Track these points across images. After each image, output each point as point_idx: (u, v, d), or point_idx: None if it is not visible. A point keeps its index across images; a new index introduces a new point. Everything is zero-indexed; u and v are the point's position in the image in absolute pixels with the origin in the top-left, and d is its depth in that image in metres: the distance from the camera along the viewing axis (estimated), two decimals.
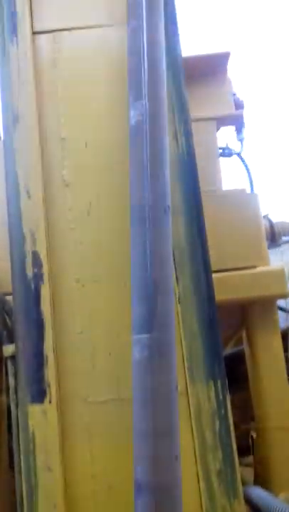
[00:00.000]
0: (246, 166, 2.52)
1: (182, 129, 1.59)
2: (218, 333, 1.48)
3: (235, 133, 2.49)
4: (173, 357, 1.13)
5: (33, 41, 1.67)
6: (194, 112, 2.09)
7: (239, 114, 2.18)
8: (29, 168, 1.55)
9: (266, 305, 1.94)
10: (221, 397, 1.44)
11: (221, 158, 2.28)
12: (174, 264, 1.50)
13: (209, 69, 2.16)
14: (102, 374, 1.46)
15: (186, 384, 1.42)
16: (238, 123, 2.34)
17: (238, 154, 2.50)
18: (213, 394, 1.43)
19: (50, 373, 1.43)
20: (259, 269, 1.88)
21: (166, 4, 1.64)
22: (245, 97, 2.30)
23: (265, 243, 1.98)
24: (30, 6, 1.70)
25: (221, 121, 2.21)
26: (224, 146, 2.43)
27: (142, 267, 1.17)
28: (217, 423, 1.41)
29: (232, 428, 1.42)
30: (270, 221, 2.19)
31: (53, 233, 1.55)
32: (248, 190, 2.24)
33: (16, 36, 1.65)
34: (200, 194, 1.55)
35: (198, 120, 1.98)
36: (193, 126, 1.94)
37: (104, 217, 1.56)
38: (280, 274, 1.86)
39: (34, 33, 1.69)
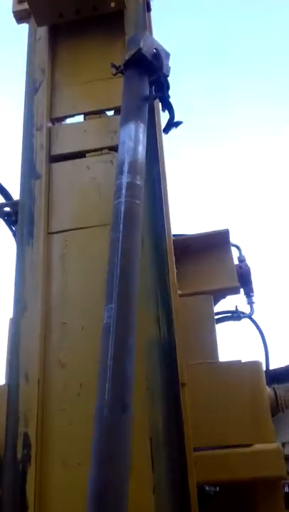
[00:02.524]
0: (258, 327, 2.59)
1: (164, 316, 1.75)
2: None
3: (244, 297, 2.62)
4: None
5: (46, 240, 2.02)
6: (196, 287, 2.29)
7: (235, 286, 2.31)
8: (31, 353, 1.77)
9: (269, 486, 1.84)
10: None
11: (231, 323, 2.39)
12: (151, 449, 1.57)
13: (212, 245, 2.39)
14: None
15: None
16: (246, 288, 2.47)
17: (249, 317, 2.58)
18: None
19: None
20: (255, 446, 1.83)
21: (154, 195, 1.95)
22: (253, 261, 2.46)
23: (268, 416, 1.95)
24: (48, 211, 2.09)
25: (224, 292, 2.36)
26: (233, 310, 2.55)
27: (95, 466, 1.25)
28: None
29: None
30: (275, 391, 2.16)
31: (46, 414, 1.70)
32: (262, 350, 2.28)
33: (32, 238, 2.00)
34: (179, 378, 1.65)
35: (197, 294, 2.14)
36: (194, 300, 2.12)
37: (92, 399, 1.69)
38: (275, 452, 1.79)
39: (49, 233, 2.05)
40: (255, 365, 2.03)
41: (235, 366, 1.96)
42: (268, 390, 2.12)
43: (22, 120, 2.32)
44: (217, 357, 2.02)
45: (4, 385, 1.89)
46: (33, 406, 1.68)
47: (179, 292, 2.06)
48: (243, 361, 1.99)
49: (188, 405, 1.77)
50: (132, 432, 1.33)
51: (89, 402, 1.69)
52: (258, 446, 1.80)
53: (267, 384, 2.24)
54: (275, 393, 2.16)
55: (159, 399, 1.62)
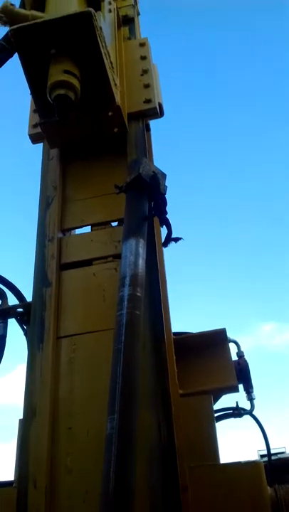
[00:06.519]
0: (259, 423, 2.64)
1: (165, 420, 1.86)
2: None
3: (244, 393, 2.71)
4: None
5: (55, 345, 2.18)
6: (196, 386, 2.40)
7: (234, 385, 2.42)
8: (39, 459, 1.86)
9: None
10: None
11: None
12: None
13: (210, 344, 2.52)
14: None
15: None
16: (245, 384, 2.57)
17: (250, 413, 2.65)
18: None
19: None
20: None
21: (154, 301, 2.13)
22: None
23: None
24: (57, 316, 2.27)
25: (223, 390, 2.47)
26: (234, 406, 2.63)
27: None
28: None
29: None
30: (276, 492, 2.18)
31: None
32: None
33: (42, 343, 2.17)
34: (180, 482, 1.73)
35: (197, 393, 2.25)
36: (193, 400, 2.22)
37: (97, 505, 1.76)
38: None
39: (57, 338, 2.21)
40: (255, 465, 2.08)
41: (235, 468, 2.01)
42: (269, 490, 2.15)
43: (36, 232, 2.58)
44: (218, 457, 2.08)
45: (14, 488, 1.96)
46: None
47: (180, 392, 2.17)
48: (243, 462, 2.05)
49: (191, 508, 1.83)
50: None
51: (95, 509, 1.76)
52: None
53: (269, 481, 2.28)
54: (276, 494, 2.19)
55: (159, 503, 1.68)
